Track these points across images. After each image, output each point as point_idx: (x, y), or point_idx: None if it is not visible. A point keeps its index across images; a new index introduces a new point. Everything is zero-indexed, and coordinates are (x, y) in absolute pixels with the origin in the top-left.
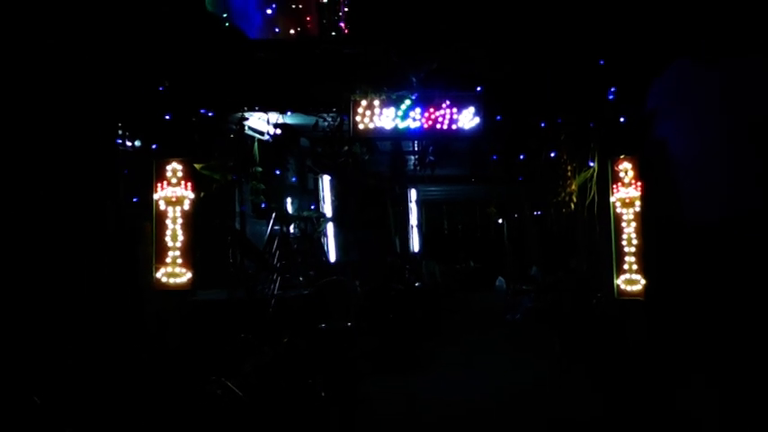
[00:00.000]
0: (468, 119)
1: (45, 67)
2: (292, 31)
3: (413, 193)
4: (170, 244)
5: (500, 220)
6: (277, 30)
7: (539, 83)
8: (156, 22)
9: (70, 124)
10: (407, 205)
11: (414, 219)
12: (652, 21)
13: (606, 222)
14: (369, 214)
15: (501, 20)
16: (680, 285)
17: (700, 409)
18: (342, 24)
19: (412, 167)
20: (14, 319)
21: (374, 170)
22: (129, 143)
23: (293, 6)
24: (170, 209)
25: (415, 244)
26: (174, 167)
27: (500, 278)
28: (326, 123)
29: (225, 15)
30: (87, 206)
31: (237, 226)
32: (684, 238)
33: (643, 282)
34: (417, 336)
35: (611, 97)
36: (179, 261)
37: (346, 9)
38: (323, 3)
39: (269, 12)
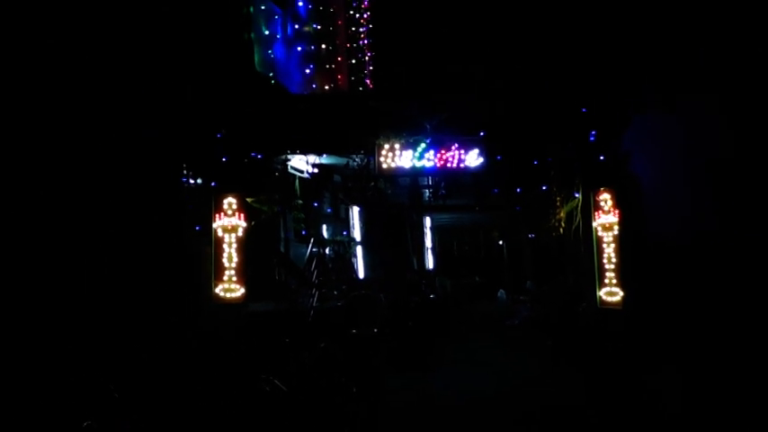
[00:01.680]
0: (473, 158)
1: (125, 128)
2: (327, 87)
3: (427, 220)
4: (226, 264)
5: (500, 242)
6: (314, 86)
7: (532, 128)
8: (213, 80)
9: (146, 167)
10: (423, 230)
11: (428, 241)
12: (625, 75)
13: (589, 244)
14: (391, 238)
15: (499, 76)
16: (651, 296)
17: (666, 395)
18: (368, 81)
19: (427, 199)
20: (101, 320)
21: (395, 201)
22: (192, 181)
23: (327, 66)
24: (226, 235)
25: (430, 262)
26: (230, 201)
27: (501, 290)
28: (356, 163)
29: (271, 74)
30: (158, 233)
31: (282, 249)
32: (653, 256)
33: (621, 293)
34: (432, 339)
35: (592, 139)
36: (234, 279)
37: (371, 68)
38: (352, 63)
39: (307, 71)
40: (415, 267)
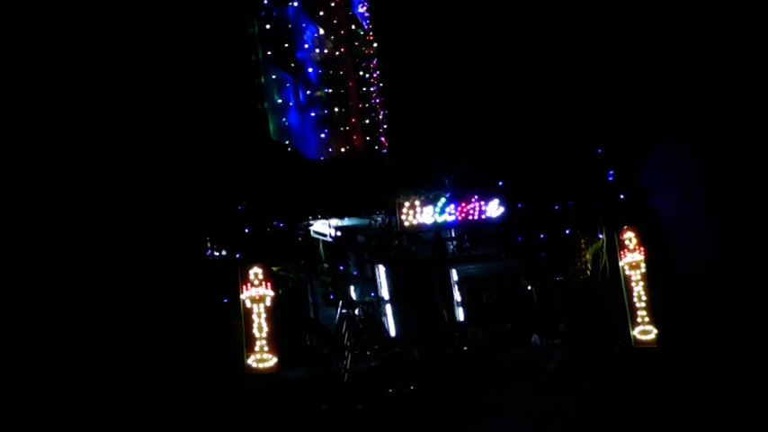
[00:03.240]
0: (494, 209)
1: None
2: (343, 149)
3: (454, 273)
4: (257, 335)
5: (529, 287)
6: (330, 149)
7: (549, 174)
8: (230, 153)
9: (170, 243)
10: (450, 283)
11: (457, 293)
12: (638, 112)
13: (618, 283)
14: (419, 294)
15: (513, 123)
16: (684, 332)
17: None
18: (383, 139)
19: (451, 251)
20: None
21: (420, 257)
22: (216, 253)
23: (342, 129)
24: (255, 306)
25: (460, 314)
26: (256, 271)
27: (534, 336)
28: (377, 223)
29: (287, 142)
30: (186, 309)
31: (311, 314)
32: (682, 291)
33: (655, 331)
34: (468, 391)
35: (610, 179)
36: (265, 349)
37: (385, 126)
38: (365, 123)
39: (322, 135)
40: (446, 320)
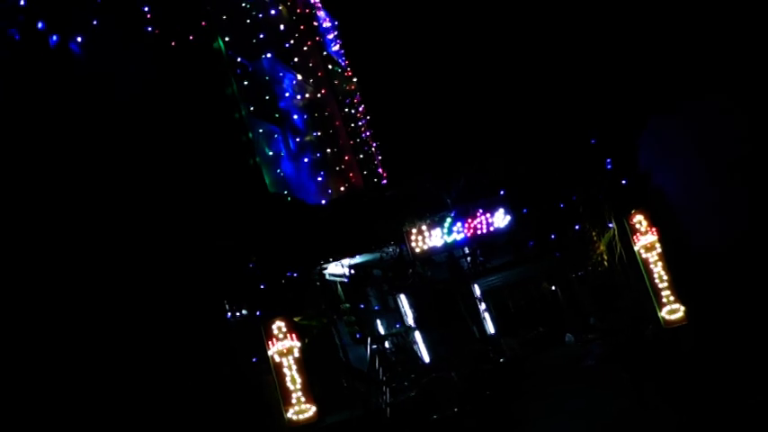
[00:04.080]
0: (500, 219)
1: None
2: (342, 188)
3: (476, 287)
4: (291, 387)
5: (552, 288)
6: (330, 191)
7: (548, 174)
8: (232, 215)
9: (193, 316)
10: (474, 298)
11: (482, 307)
12: (622, 94)
13: (637, 267)
14: (445, 315)
15: (507, 131)
16: (713, 304)
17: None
18: (380, 170)
19: (467, 267)
20: None
21: (439, 278)
22: (237, 314)
23: (337, 168)
24: (284, 359)
25: (490, 327)
26: (279, 325)
27: (568, 334)
28: (389, 255)
29: (285, 192)
30: (216, 376)
31: (342, 356)
32: (698, 264)
33: (683, 309)
34: (511, 402)
35: (609, 167)
36: (302, 399)
37: (380, 157)
38: (360, 158)
39: (320, 179)
40: (477, 336)
